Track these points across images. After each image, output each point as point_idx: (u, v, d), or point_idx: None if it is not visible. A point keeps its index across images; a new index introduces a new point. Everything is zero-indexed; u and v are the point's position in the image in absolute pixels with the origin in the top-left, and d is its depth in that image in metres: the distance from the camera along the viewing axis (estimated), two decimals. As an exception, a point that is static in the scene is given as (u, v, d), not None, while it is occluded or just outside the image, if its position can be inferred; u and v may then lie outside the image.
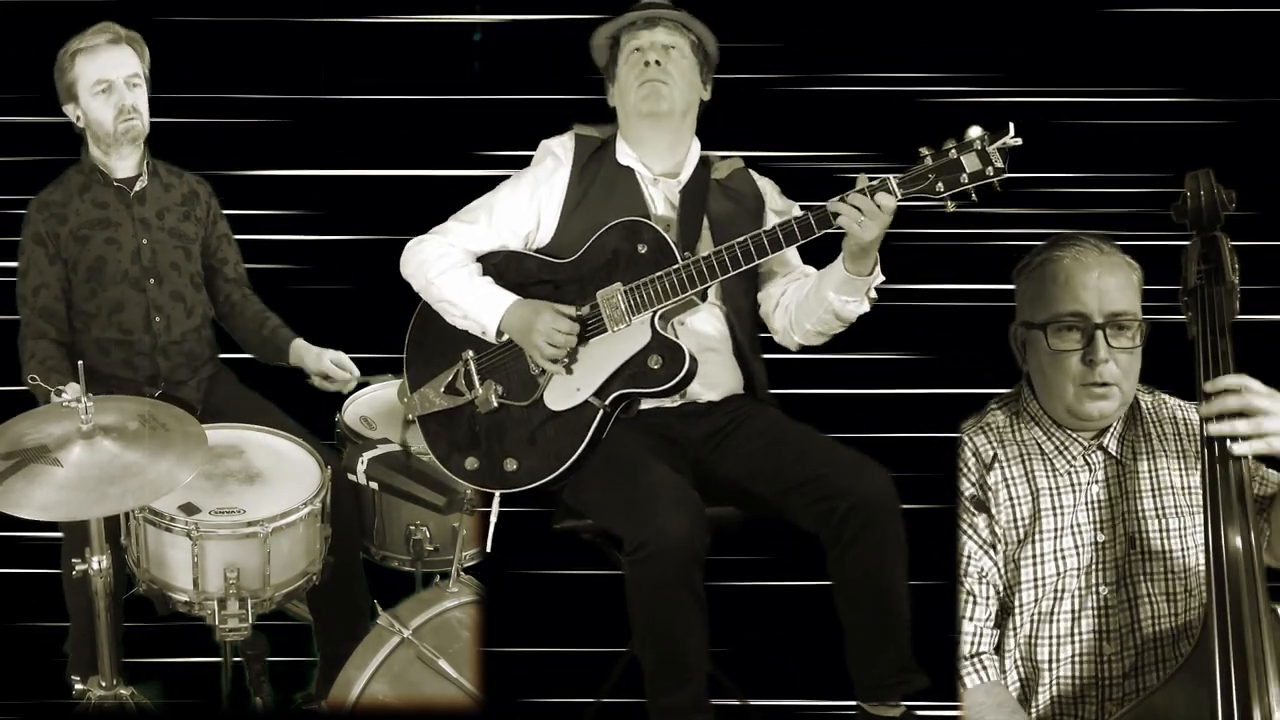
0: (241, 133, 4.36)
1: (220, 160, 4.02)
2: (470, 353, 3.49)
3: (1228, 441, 2.69)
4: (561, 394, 3.39)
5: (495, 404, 3.44)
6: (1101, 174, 4.17)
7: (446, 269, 3.46)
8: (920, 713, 3.25)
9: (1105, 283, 2.89)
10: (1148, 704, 2.74)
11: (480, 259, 3.51)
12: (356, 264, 4.31)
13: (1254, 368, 2.74)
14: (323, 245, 4.44)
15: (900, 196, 3.12)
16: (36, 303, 3.67)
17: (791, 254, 3.41)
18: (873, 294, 3.31)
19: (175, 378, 3.78)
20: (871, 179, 3.15)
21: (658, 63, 3.41)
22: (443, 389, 3.50)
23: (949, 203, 3.12)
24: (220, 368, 3.90)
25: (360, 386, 3.76)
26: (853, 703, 3.27)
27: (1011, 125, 3.07)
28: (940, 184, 3.11)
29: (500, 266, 3.49)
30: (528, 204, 3.50)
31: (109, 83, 3.63)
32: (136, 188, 3.75)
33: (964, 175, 3.10)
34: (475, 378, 3.47)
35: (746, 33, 4.08)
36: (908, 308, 4.19)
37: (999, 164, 3.08)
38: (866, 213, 3.12)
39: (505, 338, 3.44)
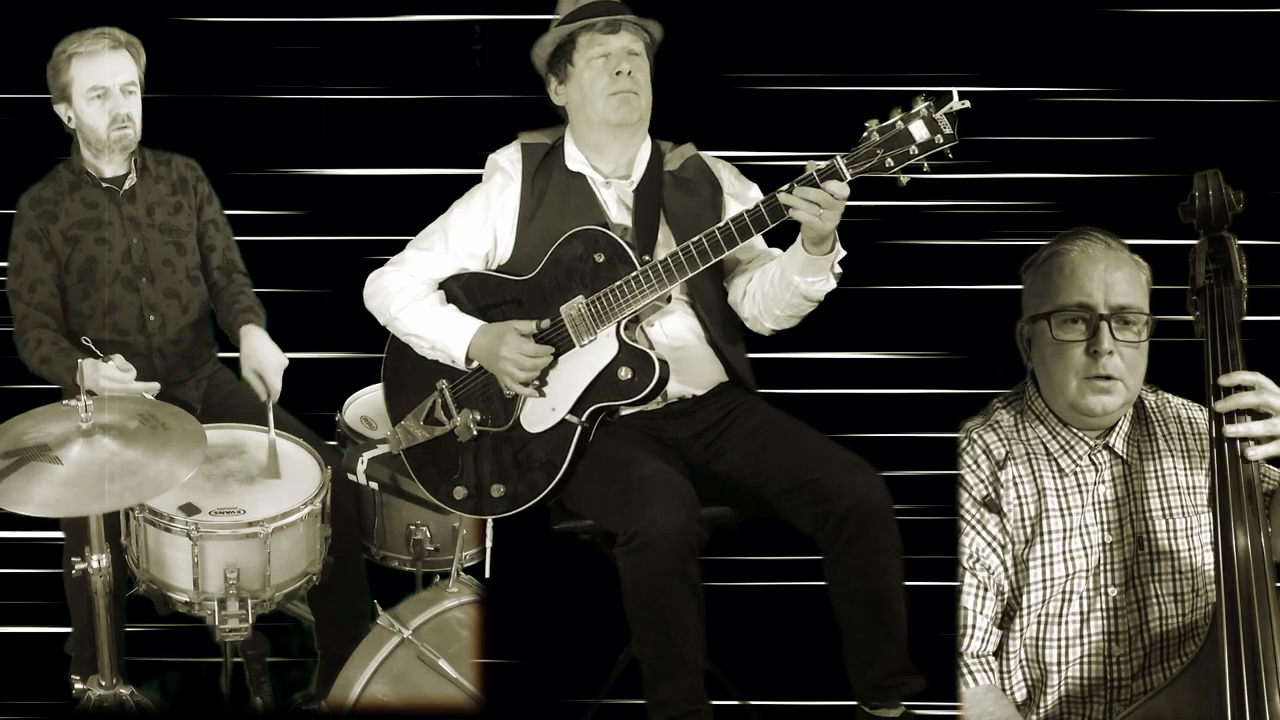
0: (238, 133, 4.35)
1: (216, 160, 3.99)
2: (444, 382, 3.47)
3: (1242, 446, 2.70)
4: (538, 415, 3.38)
5: (475, 431, 3.42)
6: (1108, 174, 4.18)
7: (408, 302, 3.45)
8: (918, 713, 3.24)
9: (1112, 276, 2.90)
10: (1153, 704, 2.74)
11: (444, 283, 3.49)
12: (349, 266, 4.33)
13: (1262, 367, 2.76)
14: (319, 246, 4.43)
15: (850, 177, 3.07)
16: (33, 298, 3.65)
17: (754, 240, 3.34)
18: (837, 269, 3.28)
19: (174, 378, 3.76)
20: (819, 166, 3.09)
21: (630, 73, 3.37)
22: (422, 420, 3.48)
23: (901, 178, 3.04)
24: (220, 367, 3.89)
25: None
26: (852, 703, 3.26)
27: (955, 91, 3.01)
28: (890, 159, 3.04)
29: (464, 289, 3.47)
30: (482, 223, 3.47)
31: (105, 90, 3.62)
32: (125, 186, 3.73)
33: (913, 147, 3.03)
34: (452, 406, 3.46)
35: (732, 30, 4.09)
36: (908, 308, 4.21)
37: (948, 130, 3.01)
38: (823, 204, 3.08)
39: (475, 364, 3.43)
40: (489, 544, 3.49)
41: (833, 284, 3.29)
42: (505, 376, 3.37)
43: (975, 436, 3.01)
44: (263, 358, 3.65)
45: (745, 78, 4.25)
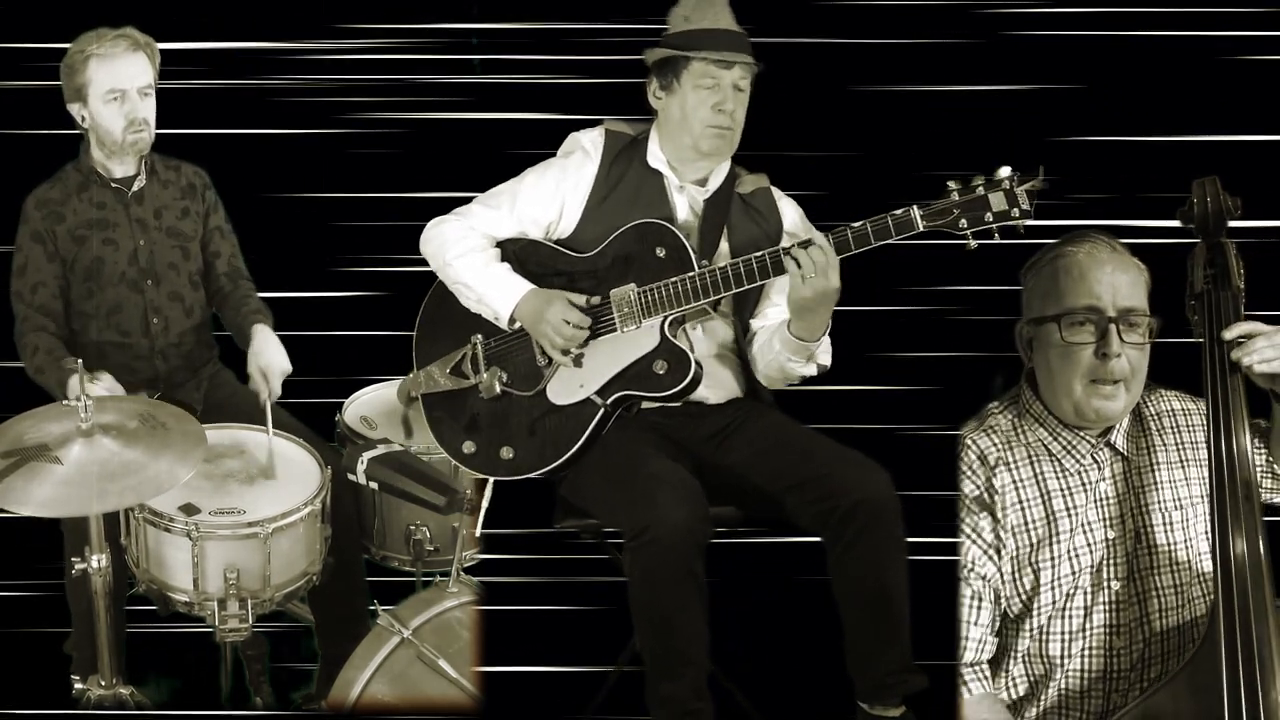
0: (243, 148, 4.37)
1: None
2: (479, 336, 3.50)
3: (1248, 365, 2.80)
4: (565, 388, 3.40)
5: (499, 390, 3.45)
6: (1108, 176, 4.19)
7: (465, 251, 3.47)
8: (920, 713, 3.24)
9: (1118, 279, 2.92)
10: (1152, 701, 2.76)
11: (499, 244, 3.51)
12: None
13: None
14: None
15: (923, 228, 3.14)
16: (35, 300, 3.65)
17: (775, 289, 3.41)
18: (824, 360, 3.34)
19: (175, 380, 3.77)
20: (835, 232, 3.17)
21: (732, 111, 3.38)
22: (449, 369, 3.51)
23: (970, 240, 3.12)
24: (220, 368, 3.89)
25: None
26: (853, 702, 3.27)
27: (1041, 169, 3.08)
28: (964, 220, 3.12)
29: (519, 254, 3.50)
30: (552, 195, 3.50)
31: (123, 92, 3.61)
32: (134, 188, 3.73)
33: (989, 214, 3.11)
34: (482, 362, 3.48)
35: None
36: (910, 307, 4.22)
37: (1025, 206, 3.09)
38: (817, 267, 3.14)
39: (517, 325, 3.45)
40: (486, 503, 3.49)
41: (810, 370, 3.36)
42: (545, 340, 3.39)
43: (969, 441, 3.03)
44: (270, 358, 3.66)
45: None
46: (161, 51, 3.68)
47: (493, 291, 3.44)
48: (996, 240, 3.12)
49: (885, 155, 4.06)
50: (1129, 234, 3.04)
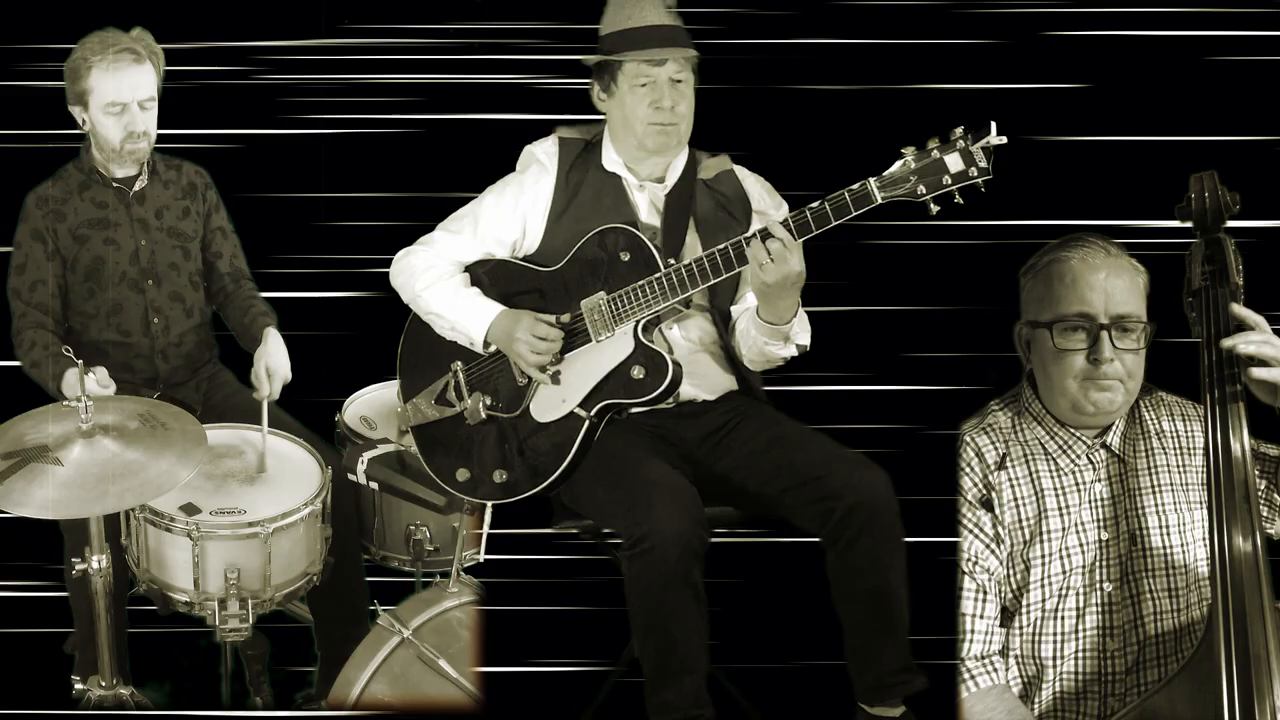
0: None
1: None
2: (459, 364, 3.49)
3: (1243, 367, 2.78)
4: (547, 405, 3.40)
5: (484, 415, 3.44)
6: (1106, 175, 4.19)
7: (433, 281, 3.47)
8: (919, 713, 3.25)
9: (1112, 284, 2.92)
10: (1150, 703, 2.75)
11: (469, 268, 3.51)
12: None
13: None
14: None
15: (881, 200, 3.09)
16: (33, 298, 3.65)
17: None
18: (803, 340, 3.32)
19: (175, 379, 3.77)
20: (794, 215, 3.14)
21: (672, 106, 3.36)
22: (434, 400, 3.51)
23: (931, 205, 3.08)
24: (220, 368, 3.89)
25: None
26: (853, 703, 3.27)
27: (994, 124, 3.03)
28: (922, 185, 3.07)
29: (489, 275, 3.49)
30: (512, 212, 3.49)
31: (123, 105, 3.60)
32: (136, 188, 3.73)
33: (947, 176, 3.05)
34: (464, 389, 3.48)
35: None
36: (910, 307, 4.22)
37: (982, 164, 3.03)
38: (774, 255, 3.11)
39: (492, 348, 3.44)
40: (486, 528, 3.49)
41: (790, 351, 3.33)
42: (520, 359, 3.39)
43: (969, 439, 3.03)
44: (277, 361, 3.66)
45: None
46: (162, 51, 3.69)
47: (464, 317, 3.44)
48: (958, 204, 3.06)
49: (885, 155, 4.04)
50: (1126, 234, 3.04)
